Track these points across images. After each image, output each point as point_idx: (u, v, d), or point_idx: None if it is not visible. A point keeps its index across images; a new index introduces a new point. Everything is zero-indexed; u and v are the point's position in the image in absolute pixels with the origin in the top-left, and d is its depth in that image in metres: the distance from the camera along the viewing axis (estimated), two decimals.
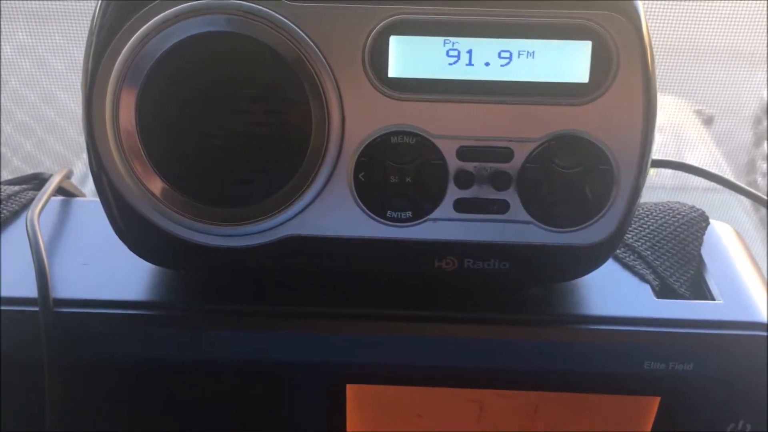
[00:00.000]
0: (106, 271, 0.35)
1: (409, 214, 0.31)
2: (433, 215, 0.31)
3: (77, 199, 0.40)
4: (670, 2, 0.91)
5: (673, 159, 0.41)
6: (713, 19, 0.97)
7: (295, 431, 0.36)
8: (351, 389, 0.34)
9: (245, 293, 0.34)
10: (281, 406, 0.35)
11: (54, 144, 1.13)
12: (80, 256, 0.36)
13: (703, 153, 1.39)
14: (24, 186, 0.40)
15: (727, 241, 0.39)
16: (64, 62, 0.99)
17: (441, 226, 0.31)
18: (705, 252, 0.38)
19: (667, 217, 0.38)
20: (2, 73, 0.99)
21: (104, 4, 0.29)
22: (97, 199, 0.32)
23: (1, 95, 1.01)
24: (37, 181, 0.41)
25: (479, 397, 0.35)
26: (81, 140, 0.31)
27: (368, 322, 0.33)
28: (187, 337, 0.33)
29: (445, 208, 0.31)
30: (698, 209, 0.39)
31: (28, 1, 0.94)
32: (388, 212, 0.31)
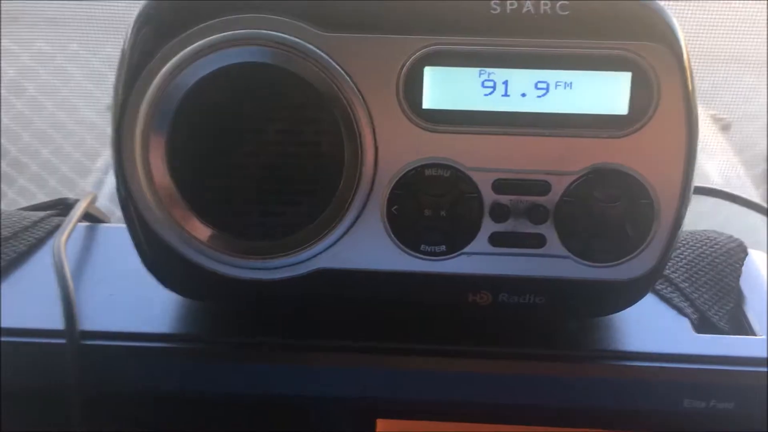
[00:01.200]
0: (133, 301, 0.34)
1: (443, 248, 0.30)
2: (468, 249, 0.30)
3: (103, 225, 0.40)
4: (687, 6, 0.91)
5: (714, 186, 0.40)
6: (727, 23, 0.97)
7: None
8: (381, 424, 0.33)
9: (274, 326, 0.33)
10: None
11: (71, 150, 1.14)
12: (107, 286, 0.35)
13: (721, 161, 1.38)
14: (49, 212, 0.40)
15: (765, 271, 0.38)
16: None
17: (475, 260, 0.30)
18: (744, 283, 0.37)
19: (704, 248, 0.37)
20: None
21: (135, 30, 0.29)
22: (124, 225, 0.31)
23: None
24: (62, 206, 0.41)
25: None
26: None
27: (399, 357, 0.32)
28: (214, 370, 0.33)
29: (480, 242, 0.30)
30: (736, 239, 0.38)
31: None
32: (422, 246, 0.30)
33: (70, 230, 0.36)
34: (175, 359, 0.33)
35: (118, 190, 0.30)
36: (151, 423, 0.34)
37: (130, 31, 0.29)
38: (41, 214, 0.39)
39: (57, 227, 0.39)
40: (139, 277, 0.33)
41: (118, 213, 0.32)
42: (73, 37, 0.99)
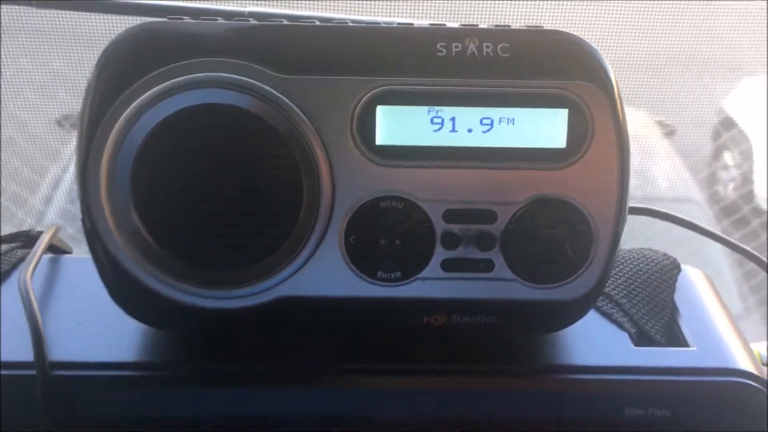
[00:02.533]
0: (100, 331, 0.35)
1: (398, 274, 0.32)
2: (422, 275, 0.32)
3: (68, 256, 0.41)
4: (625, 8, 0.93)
5: (652, 207, 0.43)
6: (673, 27, 0.99)
7: None
8: None
9: (237, 351, 0.35)
10: None
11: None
12: (74, 316, 0.36)
13: (666, 166, 1.42)
14: (12, 245, 0.40)
15: (698, 286, 0.40)
16: None
17: (429, 284, 0.32)
18: (678, 298, 0.39)
19: (641, 265, 0.40)
20: None
21: (97, 74, 0.30)
22: (89, 257, 0.33)
23: None
24: (25, 238, 0.41)
25: None
26: None
27: (360, 377, 0.34)
28: (177, 396, 0.34)
29: (433, 268, 0.32)
30: (670, 257, 0.41)
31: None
32: (378, 273, 0.32)
33: (36, 263, 0.37)
34: (144, 387, 0.34)
35: (84, 223, 0.31)
36: None
37: (92, 74, 0.30)
38: (4, 247, 0.40)
39: (21, 259, 0.40)
40: (105, 307, 0.35)
41: (71, 232, 0.33)
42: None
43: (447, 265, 0.32)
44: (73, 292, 0.38)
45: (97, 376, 0.33)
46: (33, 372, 0.33)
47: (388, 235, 0.31)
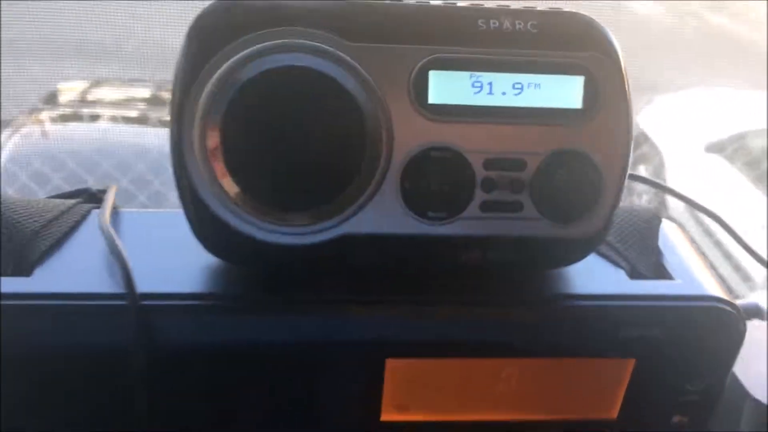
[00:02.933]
0: (176, 267, 0.40)
1: (444, 213, 0.38)
2: (464, 214, 0.38)
3: (127, 210, 0.45)
4: None
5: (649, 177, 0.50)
6: None
7: (337, 404, 0.42)
8: (390, 363, 0.41)
9: (298, 284, 0.40)
10: (328, 382, 0.41)
11: None
12: (147, 256, 0.41)
13: None
14: (76, 200, 0.45)
15: (675, 234, 0.48)
16: None
17: (469, 223, 0.38)
18: (660, 244, 0.46)
19: (630, 217, 0.47)
20: None
21: (190, 40, 0.35)
22: (145, 211, 0.37)
23: None
24: (86, 194, 0.45)
25: (497, 366, 0.42)
26: None
27: (405, 305, 0.40)
28: (251, 323, 0.39)
29: (473, 209, 0.38)
30: (652, 211, 0.48)
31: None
32: (428, 213, 0.38)
33: (110, 209, 0.42)
34: (209, 315, 0.39)
35: (174, 169, 0.36)
36: (202, 375, 0.39)
37: (184, 41, 0.35)
38: (71, 202, 0.44)
39: (88, 212, 0.44)
40: (175, 248, 0.40)
41: None
42: None
43: (485, 206, 0.38)
44: (140, 237, 0.43)
45: (183, 306, 0.38)
46: (124, 302, 0.37)
47: (436, 180, 0.37)
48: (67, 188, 0.46)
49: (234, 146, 0.36)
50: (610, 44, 0.37)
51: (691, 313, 0.42)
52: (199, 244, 0.39)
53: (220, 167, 0.36)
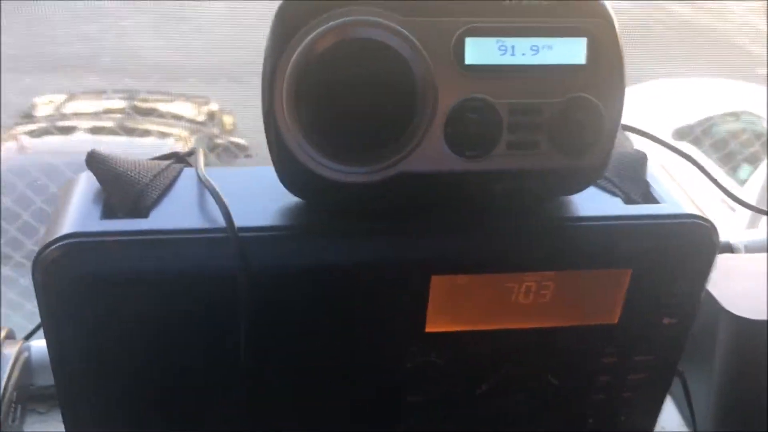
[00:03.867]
0: (263, 206, 0.49)
1: (479, 152, 0.47)
2: (494, 153, 0.47)
3: (214, 168, 0.54)
4: None
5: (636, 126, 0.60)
6: None
7: (389, 320, 0.51)
8: (435, 279, 0.50)
9: (363, 215, 0.49)
10: (381, 297, 0.50)
11: None
12: (238, 200, 0.49)
13: None
14: (170, 161, 0.53)
15: (657, 171, 0.58)
16: None
17: (499, 159, 0.47)
18: (648, 177, 0.56)
19: (623, 157, 0.56)
20: None
21: (277, 18, 0.44)
22: (232, 168, 0.46)
23: None
24: (176, 157, 0.54)
25: (518, 280, 0.51)
26: None
27: (446, 229, 0.49)
28: (321, 248, 0.47)
29: (501, 148, 0.47)
30: (641, 151, 0.58)
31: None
32: (466, 152, 0.47)
33: (203, 162, 0.51)
34: (298, 242, 0.47)
35: (265, 120, 0.45)
36: (289, 294, 0.48)
37: (273, 20, 0.44)
38: (165, 162, 0.53)
39: (180, 171, 0.52)
40: (261, 192, 0.48)
41: None
42: None
43: (510, 145, 0.47)
44: (231, 187, 0.51)
45: (273, 236, 0.47)
46: (225, 234, 0.46)
47: (472, 125, 0.47)
48: None
49: (313, 104, 0.45)
50: (606, 12, 0.47)
51: (676, 228, 0.52)
52: (281, 189, 0.48)
53: (301, 121, 0.45)
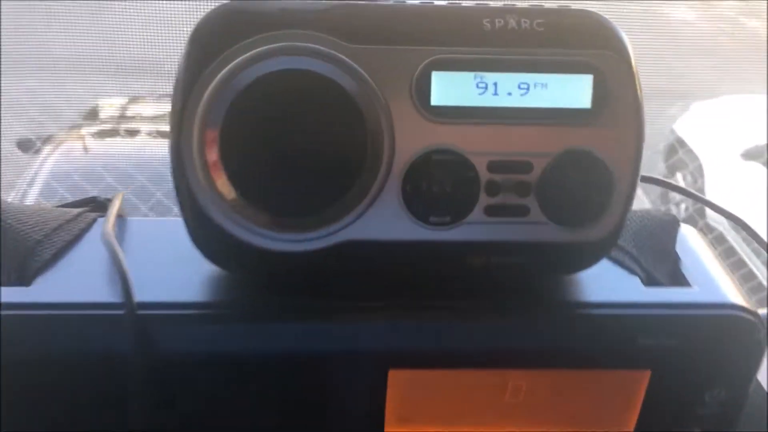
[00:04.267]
0: (176, 276, 0.39)
1: (448, 218, 0.37)
2: (468, 219, 0.37)
3: (133, 218, 0.45)
4: None
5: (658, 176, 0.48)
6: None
7: (339, 416, 0.41)
8: (393, 374, 0.40)
9: (296, 291, 0.39)
10: (329, 392, 0.40)
11: None
12: (148, 265, 0.40)
13: None
14: (82, 209, 0.44)
15: (694, 239, 0.46)
16: None
17: (474, 228, 0.37)
18: (678, 249, 0.45)
19: (645, 221, 0.45)
20: None
21: (192, 44, 0.35)
22: (151, 219, 0.37)
23: None
24: (93, 203, 0.45)
25: (504, 377, 0.41)
26: None
27: (409, 312, 0.39)
28: (248, 331, 0.38)
29: (477, 213, 0.37)
30: (670, 214, 0.46)
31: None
32: (431, 218, 0.37)
33: (114, 219, 0.41)
34: (214, 324, 0.38)
35: (173, 173, 0.36)
36: (199, 384, 0.39)
37: (186, 46, 0.35)
38: (76, 210, 0.44)
39: (94, 221, 0.43)
40: (175, 257, 0.39)
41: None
42: None
43: (489, 211, 0.37)
44: (143, 247, 0.42)
45: (179, 315, 0.37)
46: (121, 312, 0.37)
47: (439, 183, 0.36)
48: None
49: (233, 152, 0.35)
50: (619, 41, 0.36)
51: (709, 322, 0.40)
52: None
53: (218, 173, 0.35)
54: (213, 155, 0.35)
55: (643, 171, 0.38)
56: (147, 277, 0.39)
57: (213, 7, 0.35)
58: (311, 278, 0.39)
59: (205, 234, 0.37)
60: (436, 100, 0.36)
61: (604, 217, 0.37)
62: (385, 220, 0.37)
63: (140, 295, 0.37)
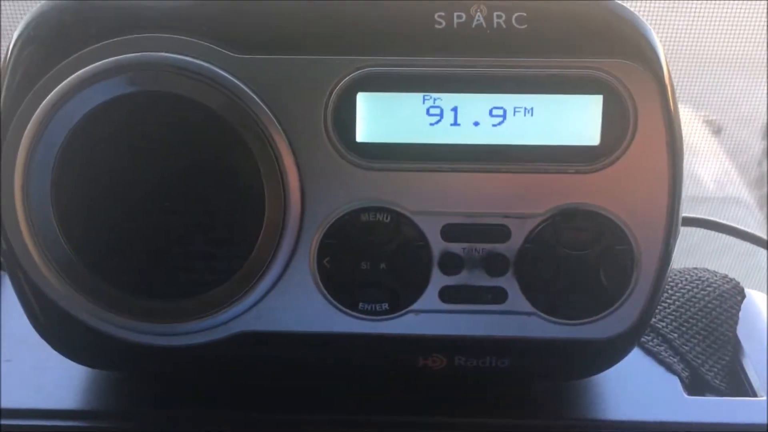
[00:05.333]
0: (34, 372, 0.29)
1: (385, 305, 0.26)
2: (415, 306, 0.26)
3: None
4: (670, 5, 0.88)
5: (703, 217, 0.36)
6: (716, 26, 0.94)
7: None
8: None
9: (197, 394, 0.29)
10: None
11: None
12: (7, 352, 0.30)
13: (714, 166, 1.34)
14: None
15: (766, 317, 0.33)
16: None
17: (425, 318, 0.26)
18: (741, 333, 0.32)
19: (695, 290, 0.33)
20: None
21: (16, 52, 0.24)
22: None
23: None
24: None
25: None
26: None
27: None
28: None
29: (429, 298, 0.26)
30: (731, 279, 0.34)
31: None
32: (360, 304, 0.26)
33: None
34: None
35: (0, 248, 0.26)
36: None
37: (6, 55, 0.25)
38: None
39: None
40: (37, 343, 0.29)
41: None
42: None
43: (447, 295, 0.26)
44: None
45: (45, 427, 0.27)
46: None
47: (371, 256, 0.25)
48: None
49: (73, 209, 0.25)
50: (644, 44, 0.24)
51: None
52: None
53: (54, 239, 0.25)
54: (46, 220, 0.25)
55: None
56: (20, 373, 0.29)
57: (38, 5, 0.25)
58: (204, 378, 0.29)
59: (50, 322, 0.27)
60: (364, 134, 0.25)
61: (622, 306, 0.25)
62: (295, 307, 0.26)
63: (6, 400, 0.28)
